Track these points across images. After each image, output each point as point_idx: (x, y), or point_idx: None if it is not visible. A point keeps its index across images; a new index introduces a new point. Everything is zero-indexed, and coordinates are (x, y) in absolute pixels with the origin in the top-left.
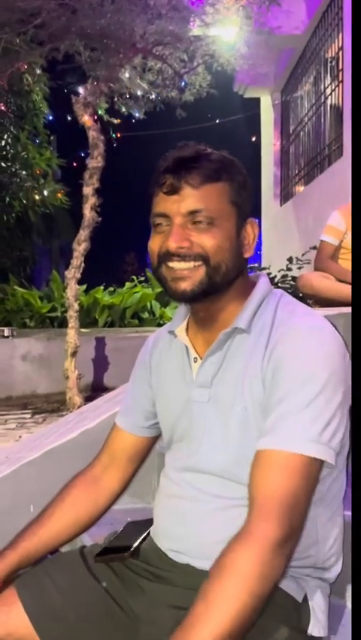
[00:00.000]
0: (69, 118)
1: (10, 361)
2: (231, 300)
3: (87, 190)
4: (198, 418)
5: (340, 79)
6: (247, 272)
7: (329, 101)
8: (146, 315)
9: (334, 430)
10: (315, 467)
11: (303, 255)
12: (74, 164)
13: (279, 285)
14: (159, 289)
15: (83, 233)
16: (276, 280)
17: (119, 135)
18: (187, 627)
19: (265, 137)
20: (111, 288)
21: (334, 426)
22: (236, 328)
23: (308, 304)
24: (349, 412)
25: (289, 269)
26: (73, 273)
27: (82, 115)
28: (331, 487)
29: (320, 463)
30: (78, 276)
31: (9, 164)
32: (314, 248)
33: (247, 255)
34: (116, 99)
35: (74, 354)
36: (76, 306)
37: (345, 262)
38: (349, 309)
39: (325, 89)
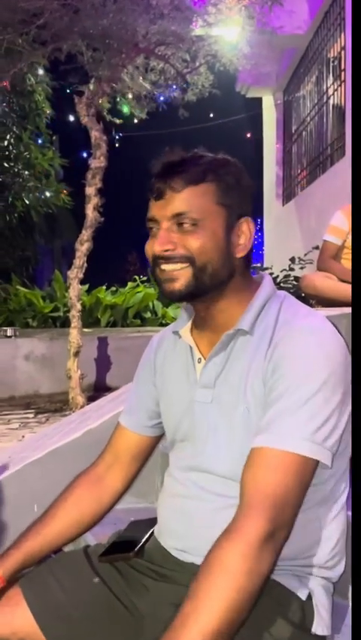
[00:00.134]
0: (71, 118)
1: (13, 361)
2: (232, 300)
3: (90, 190)
4: (201, 419)
5: (342, 78)
6: (248, 272)
7: (331, 101)
8: (148, 314)
9: (330, 431)
10: (308, 466)
11: (305, 254)
12: (77, 164)
13: (281, 284)
14: None
15: (86, 234)
16: (278, 280)
17: (121, 135)
18: (177, 627)
19: (268, 137)
20: (113, 288)
21: (330, 426)
22: (239, 330)
23: (311, 304)
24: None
25: (291, 269)
26: (75, 273)
27: (84, 115)
28: (335, 488)
29: (315, 463)
30: (81, 276)
31: (11, 164)
32: (317, 248)
33: (239, 254)
34: (118, 99)
35: (76, 354)
36: (79, 306)
37: (348, 262)
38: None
39: (327, 88)
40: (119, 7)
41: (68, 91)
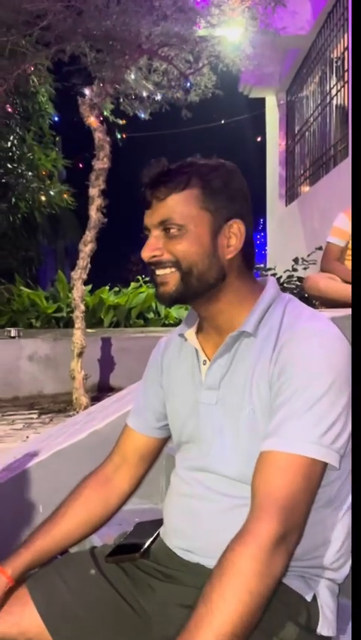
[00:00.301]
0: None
1: (17, 362)
2: (232, 302)
3: (93, 191)
4: (206, 420)
5: (345, 79)
6: (249, 273)
7: (334, 102)
8: (151, 315)
9: (338, 433)
10: (317, 469)
11: (308, 255)
12: (80, 165)
13: (285, 285)
14: None
15: (89, 235)
16: (282, 281)
17: (124, 136)
18: (191, 629)
19: (271, 138)
20: (116, 289)
21: (338, 428)
22: (243, 332)
23: (315, 305)
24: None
25: (294, 269)
26: (79, 274)
27: (88, 116)
28: (340, 489)
29: (323, 465)
30: (84, 276)
31: (15, 165)
32: (320, 248)
33: (229, 256)
34: (121, 100)
35: (80, 354)
36: (82, 307)
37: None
38: None
39: (330, 89)
40: (123, 9)
41: (71, 92)
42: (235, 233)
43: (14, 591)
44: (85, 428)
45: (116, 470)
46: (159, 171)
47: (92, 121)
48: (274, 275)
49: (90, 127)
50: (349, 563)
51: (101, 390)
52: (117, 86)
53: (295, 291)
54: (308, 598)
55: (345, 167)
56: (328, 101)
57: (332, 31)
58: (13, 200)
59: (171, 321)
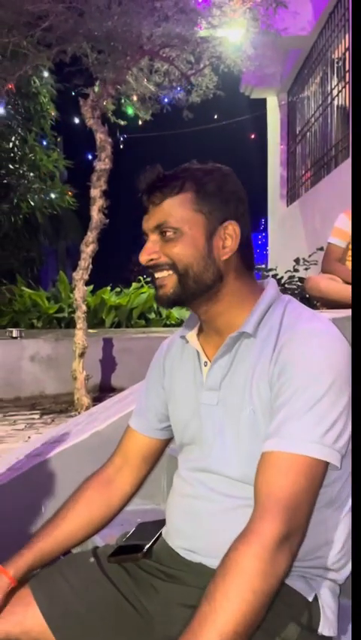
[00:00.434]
0: (76, 120)
1: (19, 362)
2: (231, 303)
3: (95, 192)
4: (208, 421)
5: (347, 80)
6: (248, 274)
7: (335, 102)
8: (153, 315)
9: (339, 432)
10: (319, 469)
11: (310, 255)
12: (81, 166)
13: (286, 285)
14: None
15: (91, 235)
16: (283, 281)
17: (126, 137)
18: (194, 628)
19: (272, 138)
20: (118, 289)
21: (339, 428)
22: (243, 333)
23: (316, 306)
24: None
25: (295, 270)
26: (81, 275)
27: (89, 117)
28: (341, 491)
29: (325, 465)
30: (86, 277)
31: (17, 165)
32: (321, 249)
33: (224, 257)
34: (123, 101)
35: (82, 355)
36: (84, 308)
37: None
38: None
39: (331, 89)
40: (124, 10)
41: (72, 93)
42: (230, 235)
43: (17, 591)
44: (87, 429)
45: (118, 471)
46: (155, 177)
47: (93, 122)
48: (275, 275)
49: (92, 128)
50: (350, 564)
51: (103, 391)
52: (119, 86)
53: (296, 292)
54: (310, 598)
55: (346, 167)
56: (329, 101)
57: (333, 32)
58: (15, 200)
59: (173, 322)
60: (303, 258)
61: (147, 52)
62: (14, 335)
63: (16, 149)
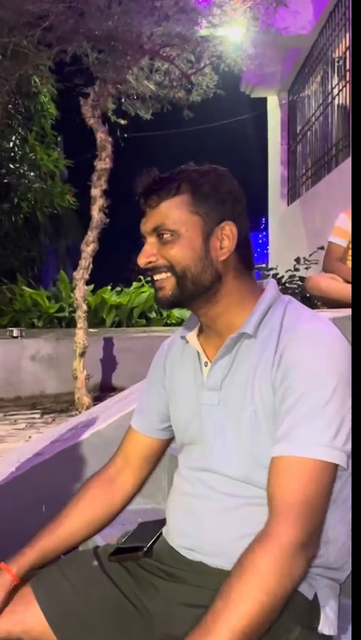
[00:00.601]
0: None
1: (19, 362)
2: (231, 304)
3: (95, 192)
4: (209, 421)
5: (347, 79)
6: (247, 275)
7: (336, 101)
8: (153, 314)
9: (346, 434)
10: (330, 471)
11: (310, 255)
12: (82, 165)
13: (286, 285)
14: None
15: (92, 235)
16: (283, 280)
17: (126, 136)
18: (207, 623)
19: (272, 137)
20: (118, 288)
21: (346, 429)
22: (243, 333)
23: (316, 306)
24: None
25: (296, 269)
26: (81, 274)
27: (90, 117)
28: (342, 490)
29: (335, 468)
30: (87, 277)
31: (17, 165)
32: (322, 248)
33: (222, 258)
34: (123, 100)
35: (82, 354)
36: (85, 307)
37: None
38: None
39: (332, 88)
40: (124, 10)
41: (73, 92)
42: (227, 235)
43: (18, 590)
44: (87, 428)
45: (120, 471)
46: (151, 180)
47: (93, 121)
48: (275, 275)
49: (92, 127)
50: (350, 563)
51: (104, 390)
52: (119, 86)
53: (296, 291)
54: (310, 597)
55: (347, 166)
56: (329, 100)
57: (333, 31)
58: (16, 200)
59: (173, 321)
60: (304, 258)
61: (147, 51)
62: (15, 334)
63: (16, 148)
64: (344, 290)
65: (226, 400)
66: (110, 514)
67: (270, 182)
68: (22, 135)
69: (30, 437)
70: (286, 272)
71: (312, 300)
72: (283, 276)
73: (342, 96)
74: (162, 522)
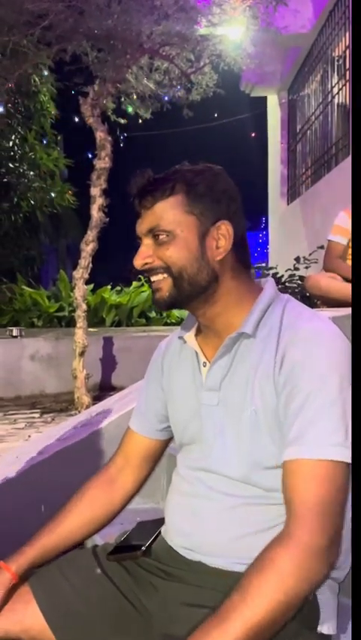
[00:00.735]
0: (76, 118)
1: (19, 361)
2: (229, 303)
3: (95, 191)
4: (208, 421)
5: (347, 78)
6: (244, 274)
7: (336, 100)
8: (153, 314)
9: (351, 431)
10: (345, 471)
11: (310, 254)
12: (82, 164)
13: (286, 284)
14: None
15: (91, 234)
16: (283, 280)
17: (126, 135)
18: (222, 614)
19: (272, 136)
20: (118, 288)
21: (350, 427)
22: (242, 333)
23: (316, 305)
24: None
25: (296, 268)
26: (81, 274)
27: (89, 116)
28: None
29: (348, 466)
30: (86, 276)
31: (17, 164)
32: (321, 247)
33: (218, 257)
34: (123, 99)
35: (82, 353)
36: (84, 307)
37: None
38: None
39: (332, 87)
40: (124, 8)
41: (72, 91)
42: (223, 235)
43: (17, 589)
44: (87, 427)
45: (120, 471)
46: (145, 181)
47: (93, 120)
48: (275, 274)
49: (92, 126)
50: (349, 562)
51: (103, 390)
52: (119, 85)
53: (296, 290)
54: (309, 596)
55: (346, 165)
56: (329, 99)
57: (333, 30)
58: (15, 199)
59: (173, 320)
60: (303, 257)
61: (146, 50)
62: (14, 334)
63: (16, 147)
64: (344, 289)
65: (225, 400)
66: (109, 513)
67: (270, 181)
68: (21, 134)
69: (29, 436)
70: (286, 271)
71: (312, 299)
72: (282, 276)
73: (342, 95)
74: (161, 521)
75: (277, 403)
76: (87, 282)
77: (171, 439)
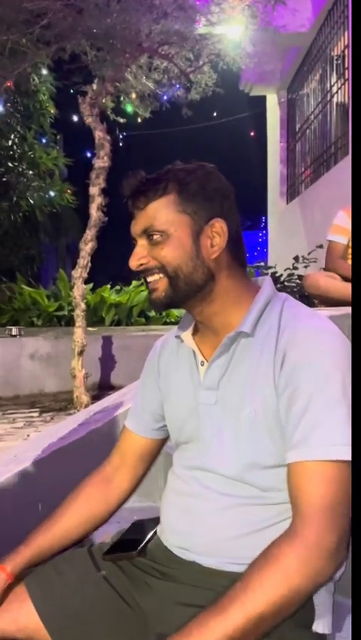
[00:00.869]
0: (75, 117)
1: (18, 360)
2: (226, 302)
3: (94, 190)
4: (206, 420)
5: (346, 77)
6: (240, 272)
7: (335, 99)
8: (153, 313)
9: (353, 432)
10: (350, 469)
11: (309, 253)
12: (81, 163)
13: (285, 283)
14: None
15: (90, 233)
16: (282, 279)
17: (125, 134)
18: (223, 604)
19: (271, 135)
20: (118, 287)
21: (350, 424)
22: (241, 332)
23: (314, 304)
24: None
25: (295, 267)
26: (80, 273)
27: (88, 115)
28: None
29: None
30: (85, 275)
31: (16, 163)
32: (320, 246)
33: (213, 255)
34: (122, 98)
35: (81, 353)
36: (83, 306)
37: None
38: None
39: (331, 86)
40: (123, 7)
41: (72, 91)
42: (217, 232)
43: (13, 588)
44: (85, 427)
45: (115, 470)
46: (137, 182)
47: (92, 120)
48: (274, 273)
49: (90, 125)
50: (345, 561)
51: (102, 389)
52: (118, 84)
53: (295, 290)
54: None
55: (345, 164)
56: (328, 98)
57: (332, 29)
58: (14, 198)
59: (173, 320)
60: (302, 256)
61: (145, 49)
62: (13, 333)
63: (15, 146)
64: (342, 288)
65: (223, 399)
66: (105, 512)
67: (269, 180)
68: (21, 133)
69: (28, 436)
70: (285, 270)
71: (310, 298)
72: (281, 275)
73: (341, 94)
74: (157, 520)
75: (278, 404)
76: (87, 281)
77: (167, 438)
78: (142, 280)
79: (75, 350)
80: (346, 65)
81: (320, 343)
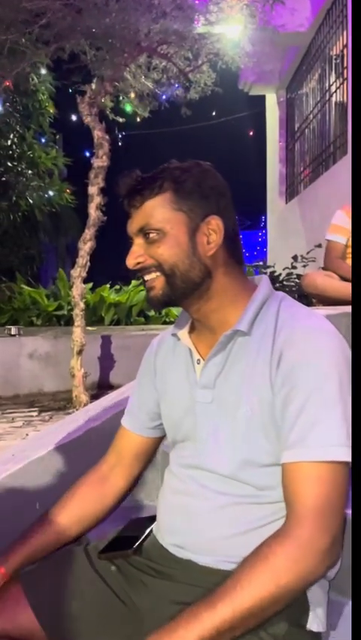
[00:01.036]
0: (74, 117)
1: (17, 360)
2: (223, 301)
3: (92, 189)
4: (202, 419)
5: (345, 76)
6: (237, 270)
7: (334, 99)
8: (152, 312)
9: (352, 430)
10: (346, 470)
11: (308, 252)
12: (80, 163)
13: (284, 283)
14: None
15: (89, 233)
16: (281, 278)
17: (124, 134)
18: (212, 600)
19: (271, 135)
20: (117, 286)
21: (350, 426)
22: (237, 331)
23: (312, 303)
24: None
25: (294, 267)
26: (79, 272)
27: (87, 114)
28: None
29: (348, 465)
30: (84, 274)
31: (15, 163)
32: (319, 246)
33: (209, 253)
34: (121, 98)
35: (80, 352)
36: (82, 305)
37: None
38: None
39: (330, 86)
40: (122, 7)
41: (70, 90)
42: (213, 230)
43: (8, 587)
44: (83, 426)
45: (111, 469)
46: (133, 181)
47: (91, 119)
48: (273, 272)
49: (89, 125)
50: (339, 560)
51: (101, 388)
52: (117, 83)
53: (294, 289)
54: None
55: (344, 164)
56: (327, 98)
57: (331, 29)
58: (14, 198)
59: (172, 319)
60: (301, 255)
61: (144, 49)
62: (12, 332)
63: (14, 146)
64: (340, 287)
65: (219, 398)
66: (101, 511)
67: (268, 179)
68: (20, 133)
69: (27, 435)
70: (284, 269)
71: (309, 297)
72: (280, 274)
73: (340, 94)
74: (153, 519)
75: (274, 403)
76: (86, 281)
77: (163, 436)
78: (141, 280)
79: (74, 349)
80: (345, 65)
81: (317, 343)
